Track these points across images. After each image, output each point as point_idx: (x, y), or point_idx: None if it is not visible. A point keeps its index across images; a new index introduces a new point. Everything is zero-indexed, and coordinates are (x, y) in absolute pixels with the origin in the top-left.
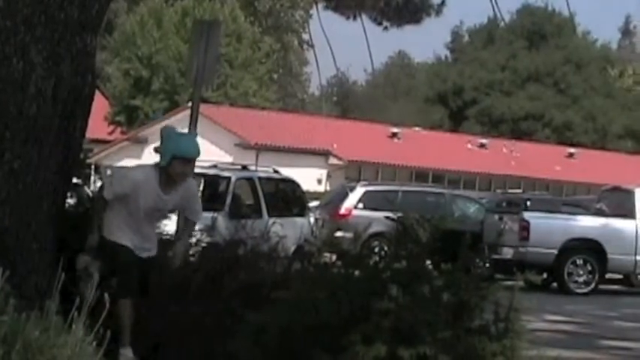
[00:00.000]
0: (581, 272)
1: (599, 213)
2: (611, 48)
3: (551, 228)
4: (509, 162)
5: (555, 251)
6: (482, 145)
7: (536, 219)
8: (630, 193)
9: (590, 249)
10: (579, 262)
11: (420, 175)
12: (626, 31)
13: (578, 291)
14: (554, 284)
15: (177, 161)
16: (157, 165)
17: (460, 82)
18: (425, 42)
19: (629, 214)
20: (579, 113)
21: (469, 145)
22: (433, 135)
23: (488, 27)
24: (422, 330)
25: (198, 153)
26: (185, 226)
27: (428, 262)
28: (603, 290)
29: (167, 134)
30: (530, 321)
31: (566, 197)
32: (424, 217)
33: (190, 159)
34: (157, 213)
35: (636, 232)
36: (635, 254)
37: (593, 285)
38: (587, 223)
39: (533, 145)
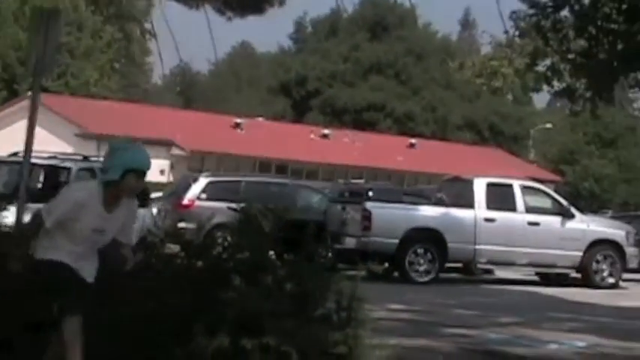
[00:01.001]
0: (422, 261)
1: (440, 203)
2: (451, 40)
3: (392, 218)
4: (351, 152)
5: (397, 241)
6: (325, 136)
7: (378, 209)
8: (469, 183)
9: (431, 238)
10: (420, 251)
11: (264, 166)
12: (466, 24)
13: (419, 280)
14: (396, 273)
15: (131, 175)
16: (100, 182)
17: (303, 73)
18: (268, 32)
19: (469, 204)
20: (420, 104)
21: (312, 136)
22: (276, 125)
23: (331, 18)
24: (265, 320)
25: (150, 166)
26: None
27: (271, 252)
28: (444, 279)
29: (117, 146)
30: (373, 310)
31: (407, 187)
32: (267, 207)
33: (144, 172)
34: (98, 236)
35: (475, 221)
36: (475, 243)
37: (433, 274)
38: (427, 213)
39: (375, 136)
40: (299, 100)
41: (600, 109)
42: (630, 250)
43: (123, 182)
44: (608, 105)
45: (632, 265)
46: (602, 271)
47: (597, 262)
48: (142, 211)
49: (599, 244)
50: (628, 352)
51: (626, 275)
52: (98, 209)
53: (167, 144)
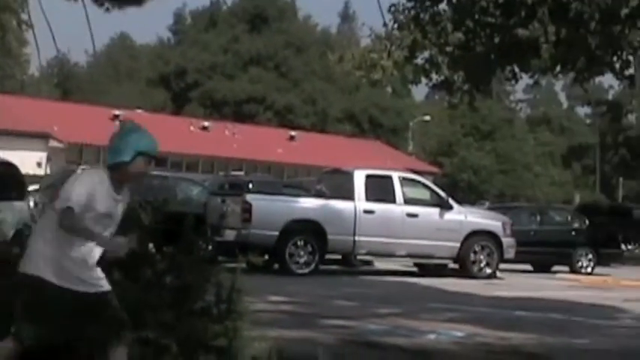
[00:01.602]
0: (302, 253)
1: (320, 195)
2: (331, 33)
3: (272, 210)
4: (231, 144)
5: (277, 233)
6: (204, 128)
7: (258, 201)
8: (349, 175)
9: (311, 230)
10: (300, 243)
11: None
12: (346, 16)
13: (300, 271)
14: (276, 265)
15: (141, 158)
16: (109, 163)
17: (183, 65)
18: (147, 24)
19: (349, 196)
20: (300, 97)
21: (192, 128)
22: (155, 117)
23: (210, 10)
24: (145, 314)
25: (158, 152)
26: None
27: (150, 245)
28: (323, 270)
29: (130, 127)
30: (253, 302)
31: (287, 179)
32: (147, 200)
33: (153, 157)
34: (107, 221)
35: (355, 213)
36: (354, 235)
37: (313, 265)
38: (307, 205)
39: (255, 128)
40: (178, 92)
41: (478, 101)
42: (507, 241)
43: (132, 165)
44: (486, 97)
45: (509, 255)
46: (480, 261)
47: (475, 252)
48: (18, 204)
49: (477, 234)
50: (505, 342)
51: (502, 265)
52: (109, 192)
53: (44, 136)
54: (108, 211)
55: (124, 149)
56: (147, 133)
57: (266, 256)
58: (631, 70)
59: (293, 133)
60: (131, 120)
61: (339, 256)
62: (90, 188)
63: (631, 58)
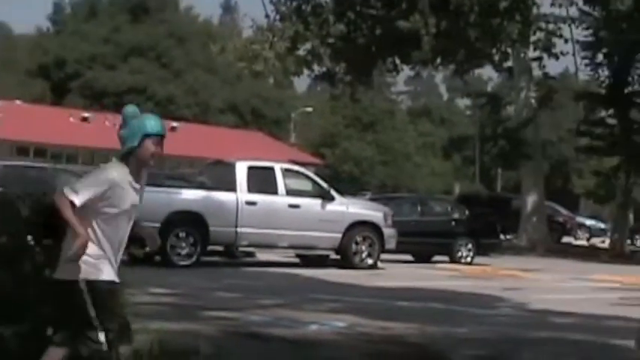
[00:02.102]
0: (184, 245)
1: (202, 186)
2: (213, 23)
3: (154, 201)
4: (112, 135)
5: (158, 224)
6: (85, 119)
7: None
8: (231, 167)
9: (193, 221)
10: (182, 234)
11: (22, 150)
12: (228, 7)
13: (181, 263)
14: (158, 257)
15: (149, 140)
16: (121, 158)
17: (62, 55)
18: (26, 13)
19: (231, 187)
20: (182, 87)
21: (72, 119)
22: (35, 109)
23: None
24: (24, 307)
25: (165, 131)
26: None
27: (29, 237)
28: (205, 262)
29: (132, 113)
30: (134, 294)
31: (169, 171)
32: (26, 192)
33: (161, 136)
34: (133, 210)
35: (237, 204)
36: (236, 226)
37: (195, 257)
38: (189, 197)
39: None
40: (58, 82)
41: (359, 92)
42: (388, 232)
43: (142, 148)
44: (367, 89)
45: (390, 246)
46: (361, 252)
47: (356, 243)
48: None
49: (358, 225)
50: (386, 332)
51: (384, 256)
52: (132, 184)
53: None
54: (134, 200)
55: (131, 136)
56: (149, 115)
57: (147, 248)
58: (509, 62)
59: (175, 124)
60: (131, 105)
61: (221, 248)
62: (110, 183)
63: (509, 50)
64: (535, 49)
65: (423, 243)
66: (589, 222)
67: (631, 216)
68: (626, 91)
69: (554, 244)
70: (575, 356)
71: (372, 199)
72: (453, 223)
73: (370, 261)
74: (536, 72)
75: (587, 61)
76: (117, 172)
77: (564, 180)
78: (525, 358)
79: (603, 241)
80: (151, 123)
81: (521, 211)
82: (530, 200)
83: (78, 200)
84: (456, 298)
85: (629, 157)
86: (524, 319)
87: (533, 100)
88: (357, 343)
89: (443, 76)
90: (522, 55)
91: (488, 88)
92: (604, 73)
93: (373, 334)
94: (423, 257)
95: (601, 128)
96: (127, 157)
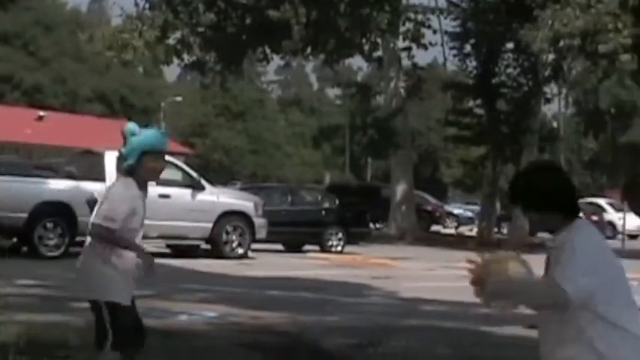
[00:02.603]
0: (52, 236)
1: (70, 176)
2: (81, 11)
3: (20, 192)
4: None
5: (25, 215)
6: None
7: (5, 183)
8: (100, 156)
9: (61, 212)
10: (50, 225)
11: None
12: None
13: (49, 254)
14: (25, 248)
15: (147, 157)
16: (125, 173)
17: None
18: None
19: (100, 177)
20: (49, 76)
21: None
22: None
23: None
24: None
25: (167, 146)
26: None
27: None
28: (74, 253)
29: (131, 130)
30: (1, 286)
31: (37, 160)
32: None
33: (160, 152)
34: (142, 221)
35: None
36: None
37: (63, 248)
38: (57, 187)
39: (1, 108)
40: None
41: (229, 82)
42: (258, 221)
43: (141, 166)
44: (237, 78)
45: (261, 235)
46: (232, 242)
47: (227, 233)
48: None
49: (229, 215)
50: (257, 321)
51: (255, 245)
52: (142, 196)
53: None
54: (144, 213)
55: (130, 153)
56: (149, 131)
57: (14, 239)
58: (379, 52)
59: (42, 113)
60: (131, 122)
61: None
62: (131, 199)
63: (379, 40)
64: (404, 40)
65: (294, 232)
66: (457, 210)
67: (498, 204)
68: (493, 81)
69: (423, 232)
70: (444, 343)
71: (242, 189)
72: (323, 212)
73: (241, 251)
74: (406, 62)
75: (455, 51)
76: (134, 187)
77: (433, 169)
78: (395, 346)
79: (471, 230)
80: (148, 140)
81: (390, 200)
82: (400, 189)
83: (115, 225)
84: (326, 287)
85: (495, 147)
86: (394, 307)
87: (402, 90)
88: (229, 333)
89: (313, 66)
90: (392, 45)
91: (358, 78)
92: (472, 63)
93: (244, 324)
94: (293, 246)
95: (469, 118)
96: (129, 173)
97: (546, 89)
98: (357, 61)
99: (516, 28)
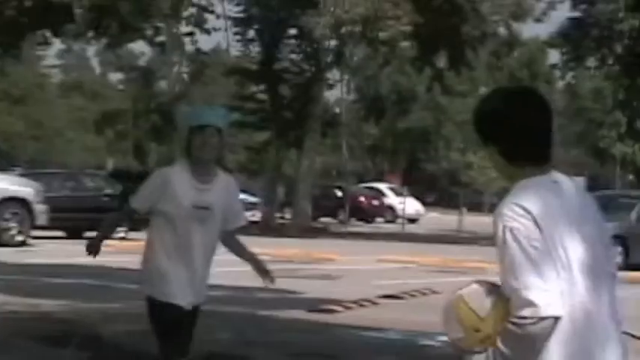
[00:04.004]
0: None
1: None
2: None
3: None
4: None
5: None
6: None
7: None
8: None
9: None
10: None
11: None
12: None
13: None
14: None
15: (195, 132)
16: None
17: None
18: None
19: None
20: None
21: None
22: None
23: None
24: None
25: (217, 120)
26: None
27: None
28: None
29: (182, 113)
30: None
31: None
32: None
33: (206, 126)
34: (203, 214)
35: None
36: None
37: None
38: None
39: None
40: None
41: (8, 65)
42: (39, 207)
43: (192, 144)
44: (16, 62)
45: (41, 222)
46: (11, 228)
47: (6, 219)
48: None
49: (7, 201)
50: (34, 309)
51: (36, 232)
52: (189, 180)
53: None
54: (197, 201)
55: (183, 132)
56: (192, 108)
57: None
58: (162, 37)
59: None
60: (184, 105)
61: None
62: (161, 178)
63: (162, 25)
64: (187, 24)
65: (75, 219)
66: (241, 196)
67: (282, 189)
68: (276, 67)
69: None
70: (226, 328)
71: (22, 175)
72: (106, 198)
73: (20, 238)
74: (189, 47)
75: (238, 37)
76: (173, 170)
77: None
78: None
79: (254, 215)
80: (195, 115)
81: None
82: None
83: (136, 203)
84: (109, 274)
85: (279, 132)
86: None
87: (185, 75)
88: (5, 322)
89: (95, 50)
90: (175, 30)
91: (141, 63)
92: (255, 49)
93: (21, 312)
94: (75, 233)
95: (252, 103)
96: (187, 156)
97: (329, 75)
98: (139, 46)
99: (299, 14)
